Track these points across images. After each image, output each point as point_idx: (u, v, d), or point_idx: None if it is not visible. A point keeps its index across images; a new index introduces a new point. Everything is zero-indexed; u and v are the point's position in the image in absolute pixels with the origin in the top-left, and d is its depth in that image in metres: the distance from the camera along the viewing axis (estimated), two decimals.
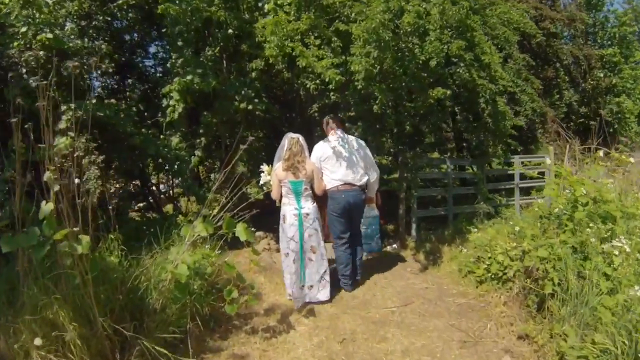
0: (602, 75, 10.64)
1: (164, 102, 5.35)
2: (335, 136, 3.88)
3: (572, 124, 10.29)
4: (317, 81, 4.85)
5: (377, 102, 4.37)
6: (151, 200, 6.82)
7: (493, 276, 4.27)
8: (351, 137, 4.02)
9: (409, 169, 5.68)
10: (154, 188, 6.97)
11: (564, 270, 3.40)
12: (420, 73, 4.57)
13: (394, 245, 5.85)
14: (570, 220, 3.99)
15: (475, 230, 6.03)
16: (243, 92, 5.06)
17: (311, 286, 3.63)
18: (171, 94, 4.83)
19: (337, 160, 3.73)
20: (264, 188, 3.93)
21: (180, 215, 4.50)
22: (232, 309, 2.96)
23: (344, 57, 4.36)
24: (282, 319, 3.62)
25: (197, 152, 5.33)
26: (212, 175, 6.46)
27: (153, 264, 3.03)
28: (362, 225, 5.41)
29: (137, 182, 6.86)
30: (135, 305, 2.75)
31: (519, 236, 4.47)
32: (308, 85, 4.62)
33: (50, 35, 4.22)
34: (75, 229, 2.50)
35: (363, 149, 3.93)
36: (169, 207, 6.80)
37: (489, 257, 4.46)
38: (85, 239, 2.51)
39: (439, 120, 5.79)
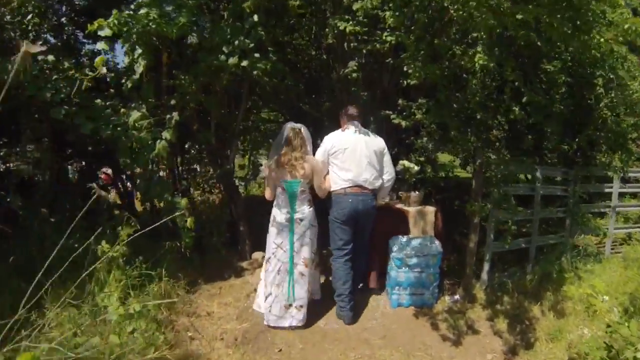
0: None
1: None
2: (350, 129, 3.21)
3: None
4: (353, 23, 2.82)
5: (480, 50, 2.31)
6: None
7: None
8: (369, 132, 3.27)
9: (497, 181, 3.60)
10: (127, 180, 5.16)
11: None
12: None
13: (456, 297, 3.83)
14: None
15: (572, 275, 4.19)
16: (237, 41, 3.10)
17: (301, 306, 3.03)
18: (100, 31, 2.91)
19: (350, 157, 3.08)
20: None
21: (104, 242, 2.67)
22: None
23: None
24: None
25: (165, 134, 3.44)
26: (198, 167, 4.63)
27: None
28: (416, 267, 3.45)
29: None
30: None
31: None
32: (341, 27, 2.62)
33: None
34: None
35: (381, 147, 3.25)
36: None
37: None
38: None
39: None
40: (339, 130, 3.24)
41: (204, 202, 4.31)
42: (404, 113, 3.46)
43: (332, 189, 3.11)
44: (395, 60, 3.21)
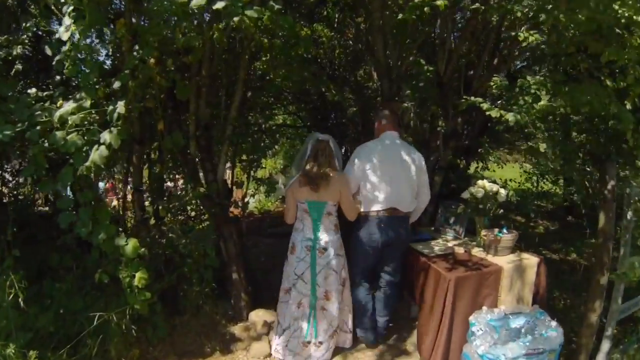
0: None
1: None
2: (386, 139, 2.64)
3: None
4: None
5: None
6: None
7: None
8: (408, 145, 2.70)
9: None
10: None
11: None
12: None
13: None
14: None
15: None
16: None
17: (321, 343, 2.56)
18: None
19: (385, 175, 2.53)
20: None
21: None
22: None
23: None
24: None
25: (106, 136, 2.14)
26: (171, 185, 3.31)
27: None
28: None
29: None
30: None
31: None
32: None
33: None
34: None
35: (421, 163, 2.63)
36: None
37: None
38: None
39: None
40: (373, 140, 2.70)
41: (178, 236, 2.96)
42: (500, 101, 2.01)
43: (362, 209, 2.60)
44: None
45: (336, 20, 4.47)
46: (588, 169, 2.79)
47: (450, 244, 2.67)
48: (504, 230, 2.45)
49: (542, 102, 1.80)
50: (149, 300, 2.21)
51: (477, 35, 3.23)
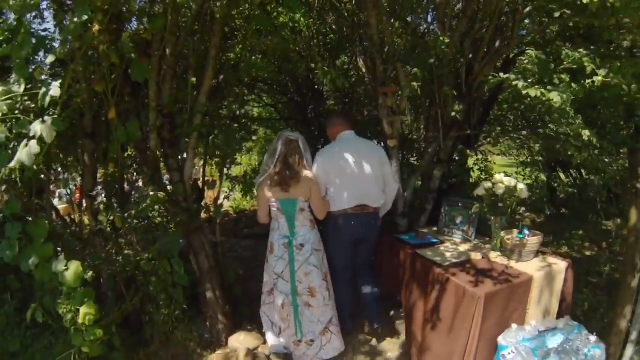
0: None
1: None
2: (343, 139, 2.69)
3: None
4: None
5: None
6: None
7: None
8: (366, 141, 2.76)
9: None
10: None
11: None
12: None
13: None
14: None
15: None
16: None
17: (312, 340, 2.52)
18: None
19: (349, 174, 2.57)
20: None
21: None
22: None
23: None
24: None
25: (37, 127, 1.64)
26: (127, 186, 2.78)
27: None
28: None
29: None
30: None
31: None
32: None
33: None
34: None
35: (382, 157, 2.66)
36: None
37: None
38: None
39: None
40: (331, 143, 2.74)
41: (137, 251, 2.46)
42: (530, 80, 1.66)
43: (331, 209, 2.60)
44: None
45: (316, 5, 4.10)
46: (606, 160, 2.55)
47: (461, 249, 2.33)
48: (526, 231, 2.14)
49: (597, 78, 1.48)
50: (102, 339, 1.72)
51: (478, 16, 2.93)
